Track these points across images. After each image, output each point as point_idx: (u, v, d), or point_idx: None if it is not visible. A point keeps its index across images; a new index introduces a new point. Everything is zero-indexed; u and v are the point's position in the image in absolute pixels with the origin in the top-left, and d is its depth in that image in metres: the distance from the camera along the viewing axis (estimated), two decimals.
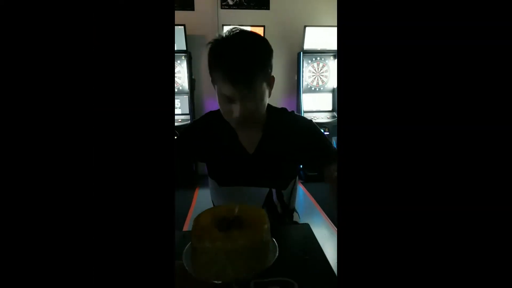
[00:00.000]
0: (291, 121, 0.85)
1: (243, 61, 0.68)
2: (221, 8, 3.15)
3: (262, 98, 0.73)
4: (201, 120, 0.91)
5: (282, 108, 0.89)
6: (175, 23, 2.88)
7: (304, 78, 3.14)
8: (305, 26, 2.97)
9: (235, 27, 0.72)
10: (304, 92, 3.16)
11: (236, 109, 0.72)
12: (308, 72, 3.15)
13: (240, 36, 0.71)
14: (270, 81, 0.76)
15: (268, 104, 0.83)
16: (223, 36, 0.72)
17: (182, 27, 2.86)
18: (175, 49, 2.91)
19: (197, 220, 0.58)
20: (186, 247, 0.59)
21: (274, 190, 0.85)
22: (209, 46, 0.72)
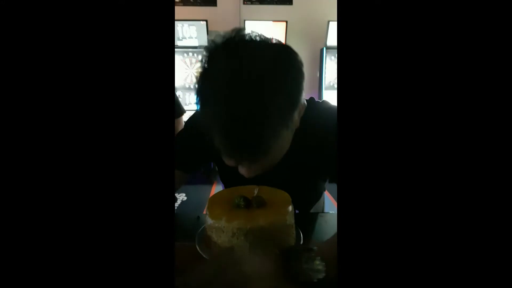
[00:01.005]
0: (321, 121, 0.59)
1: (252, 128, 0.40)
2: (244, 3, 3.13)
3: (282, 149, 0.49)
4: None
5: (322, 102, 0.65)
6: (198, 18, 2.89)
7: (326, 75, 3.07)
8: (328, 21, 2.90)
9: (239, 32, 0.43)
10: (326, 89, 3.08)
11: (244, 172, 0.50)
12: (331, 68, 3.07)
13: (249, 66, 0.40)
14: (299, 110, 0.48)
15: None
16: (222, 52, 0.42)
17: (204, 22, 2.86)
18: (197, 44, 2.92)
19: (213, 198, 0.53)
20: (199, 230, 0.55)
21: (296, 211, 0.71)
22: (199, 68, 0.44)
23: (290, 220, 0.52)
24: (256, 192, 0.57)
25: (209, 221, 0.49)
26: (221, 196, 0.55)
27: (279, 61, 0.42)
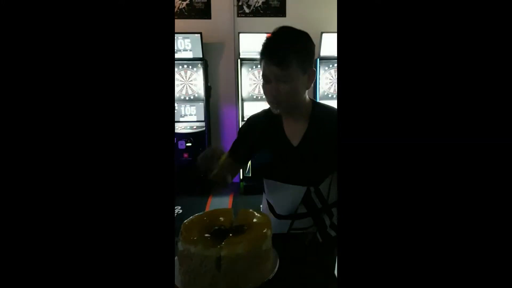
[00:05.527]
0: (328, 116, 0.86)
1: (278, 45, 0.76)
2: (238, 16, 3.16)
3: (296, 84, 0.77)
4: (256, 114, 0.95)
5: (331, 107, 0.90)
6: (193, 31, 2.92)
7: (321, 85, 3.08)
8: (321, 33, 2.92)
9: (284, 26, 0.80)
10: (321, 99, 3.10)
11: (272, 89, 0.78)
12: (325, 79, 3.09)
13: (283, 30, 0.80)
14: (309, 73, 0.80)
15: (315, 101, 0.90)
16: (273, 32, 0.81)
17: (199, 35, 2.89)
18: (192, 56, 2.94)
19: (186, 224, 0.53)
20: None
21: (313, 187, 0.86)
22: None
23: (267, 244, 0.52)
24: (232, 217, 0.57)
25: (180, 247, 0.49)
26: (195, 221, 0.55)
27: (296, 34, 0.79)
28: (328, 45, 2.96)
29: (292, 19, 3.14)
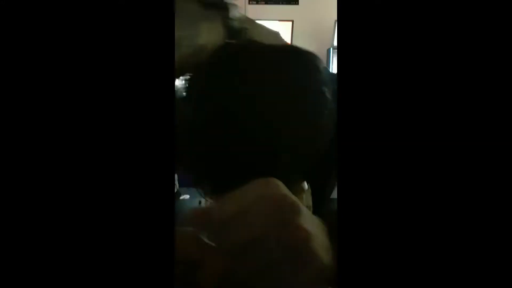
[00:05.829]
0: None
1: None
2: (249, 3, 3.11)
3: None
4: None
5: None
6: None
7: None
8: (335, 21, 2.86)
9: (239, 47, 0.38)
10: None
11: None
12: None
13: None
14: None
15: None
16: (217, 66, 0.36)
17: None
18: None
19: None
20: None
21: None
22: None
23: (307, 201, 0.49)
24: None
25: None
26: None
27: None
28: None
29: (304, 7, 3.07)
